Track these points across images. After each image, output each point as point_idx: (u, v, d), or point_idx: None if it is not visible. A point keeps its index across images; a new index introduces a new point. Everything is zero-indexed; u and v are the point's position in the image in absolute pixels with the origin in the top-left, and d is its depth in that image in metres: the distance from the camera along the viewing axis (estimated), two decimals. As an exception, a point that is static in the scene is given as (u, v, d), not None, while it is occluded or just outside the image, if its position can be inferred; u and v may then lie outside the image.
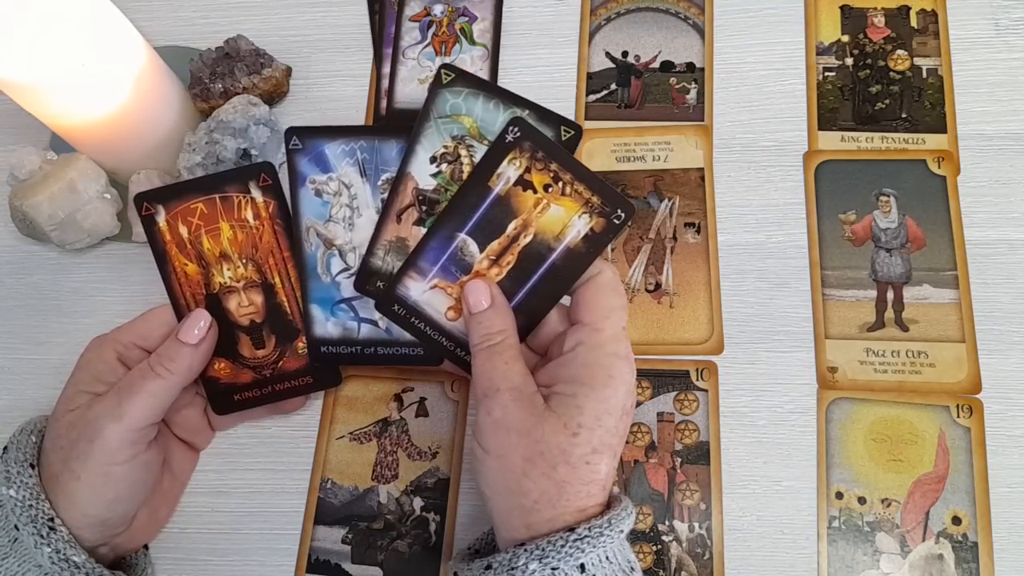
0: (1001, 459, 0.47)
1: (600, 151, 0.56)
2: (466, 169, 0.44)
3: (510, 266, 0.42)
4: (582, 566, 0.35)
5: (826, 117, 0.55)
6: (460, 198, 0.42)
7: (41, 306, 0.56)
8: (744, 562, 0.47)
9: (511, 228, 0.41)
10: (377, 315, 0.46)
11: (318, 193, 0.46)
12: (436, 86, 0.44)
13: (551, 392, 0.38)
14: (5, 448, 0.43)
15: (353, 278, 0.45)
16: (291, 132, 0.46)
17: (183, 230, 0.46)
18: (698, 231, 0.53)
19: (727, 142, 0.55)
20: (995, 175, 0.53)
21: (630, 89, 0.57)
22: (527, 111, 0.43)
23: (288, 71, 0.59)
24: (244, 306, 0.47)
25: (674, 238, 0.53)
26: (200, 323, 0.44)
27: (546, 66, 0.59)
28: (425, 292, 0.43)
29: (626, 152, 0.56)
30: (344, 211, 0.46)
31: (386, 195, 0.45)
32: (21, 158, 0.53)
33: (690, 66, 0.57)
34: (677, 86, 0.57)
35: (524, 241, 0.41)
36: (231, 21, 0.63)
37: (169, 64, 0.55)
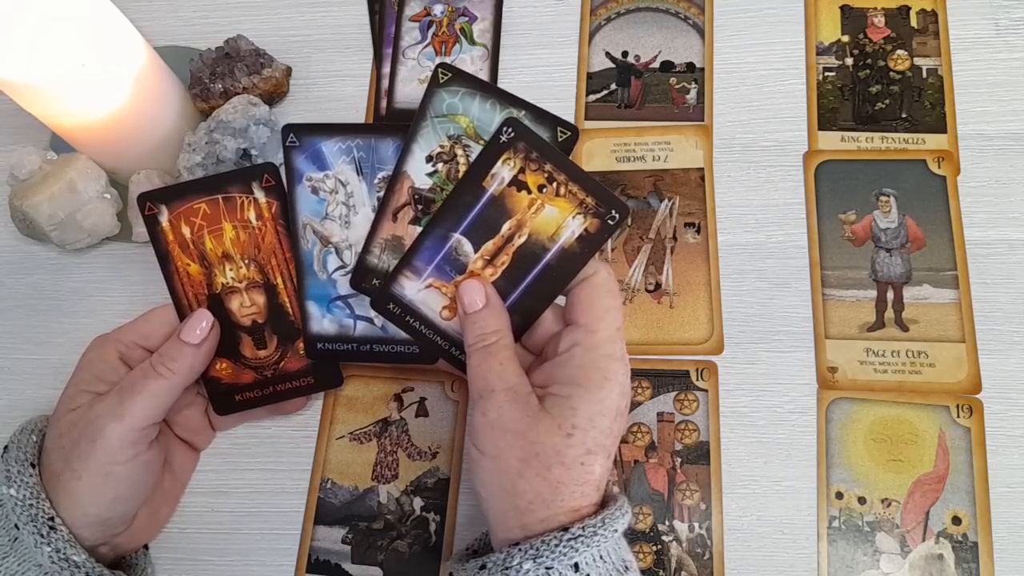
0: (1001, 459, 0.47)
1: (600, 151, 0.56)
2: (462, 169, 0.44)
3: (505, 266, 0.42)
4: (576, 565, 0.35)
5: (826, 117, 0.55)
6: (454, 198, 0.42)
7: (41, 306, 0.57)
8: (744, 562, 0.47)
9: (505, 228, 0.41)
10: (373, 313, 0.46)
11: (315, 190, 0.46)
12: (433, 85, 0.44)
13: (546, 393, 0.38)
14: (6, 447, 0.43)
15: (349, 276, 0.45)
16: (288, 129, 0.46)
17: (186, 230, 0.46)
18: (698, 231, 0.53)
19: (727, 142, 0.55)
20: (995, 175, 0.53)
21: (630, 89, 0.57)
22: (523, 111, 0.43)
23: (288, 71, 0.59)
24: (246, 306, 0.47)
25: (674, 238, 0.53)
26: (202, 323, 0.44)
27: (546, 66, 0.59)
28: (420, 291, 0.43)
29: (626, 152, 0.56)
30: (340, 209, 0.46)
31: (382, 193, 0.45)
32: (21, 158, 0.53)
33: (690, 66, 0.57)
34: (677, 86, 0.57)
35: (519, 241, 0.41)
36: (231, 21, 0.63)
37: (169, 64, 0.55)
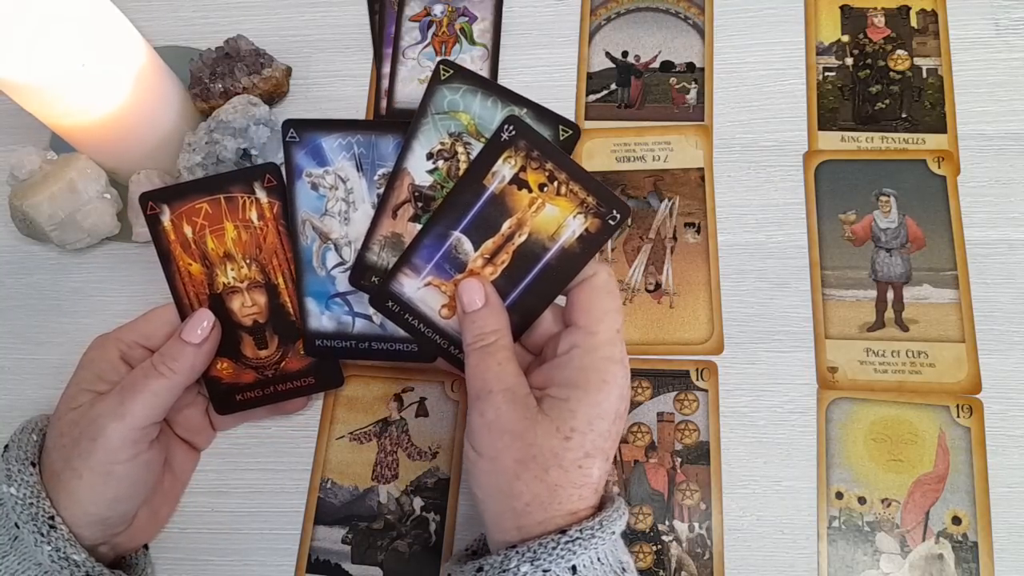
0: (1001, 459, 0.47)
1: (600, 151, 0.56)
2: (463, 166, 0.44)
3: (504, 265, 0.42)
4: (573, 568, 0.35)
5: (826, 117, 0.55)
6: (455, 196, 0.42)
7: (41, 306, 0.57)
8: (744, 562, 0.47)
9: (506, 227, 0.41)
10: (372, 310, 0.46)
11: (314, 186, 0.46)
12: (434, 82, 0.44)
13: (544, 395, 0.38)
14: (6, 446, 0.43)
15: (348, 272, 0.45)
16: (288, 125, 0.46)
17: (187, 230, 0.46)
18: (698, 231, 0.53)
19: (727, 142, 0.55)
20: (995, 175, 0.53)
21: (630, 89, 0.57)
22: (525, 109, 0.43)
23: (288, 71, 0.59)
24: (247, 306, 0.47)
25: (674, 238, 0.53)
26: (203, 323, 0.44)
27: (546, 66, 0.59)
28: (419, 289, 0.43)
29: (626, 152, 0.56)
30: (340, 205, 0.46)
31: (382, 190, 0.45)
32: (21, 158, 0.53)
33: (690, 66, 0.58)
34: (677, 86, 0.57)
35: (519, 240, 0.41)
36: (231, 21, 0.63)
37: (169, 64, 0.55)
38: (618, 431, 0.38)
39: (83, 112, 0.49)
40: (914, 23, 0.57)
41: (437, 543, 0.48)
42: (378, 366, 0.52)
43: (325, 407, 0.52)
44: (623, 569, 0.37)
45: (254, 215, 0.46)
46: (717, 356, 0.51)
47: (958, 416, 0.48)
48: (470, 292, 0.41)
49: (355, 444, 0.51)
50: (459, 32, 0.60)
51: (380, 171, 0.45)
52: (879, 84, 0.56)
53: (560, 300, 0.42)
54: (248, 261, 0.47)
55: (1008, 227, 0.52)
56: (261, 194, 0.46)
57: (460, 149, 0.44)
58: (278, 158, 0.56)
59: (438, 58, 0.59)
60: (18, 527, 0.41)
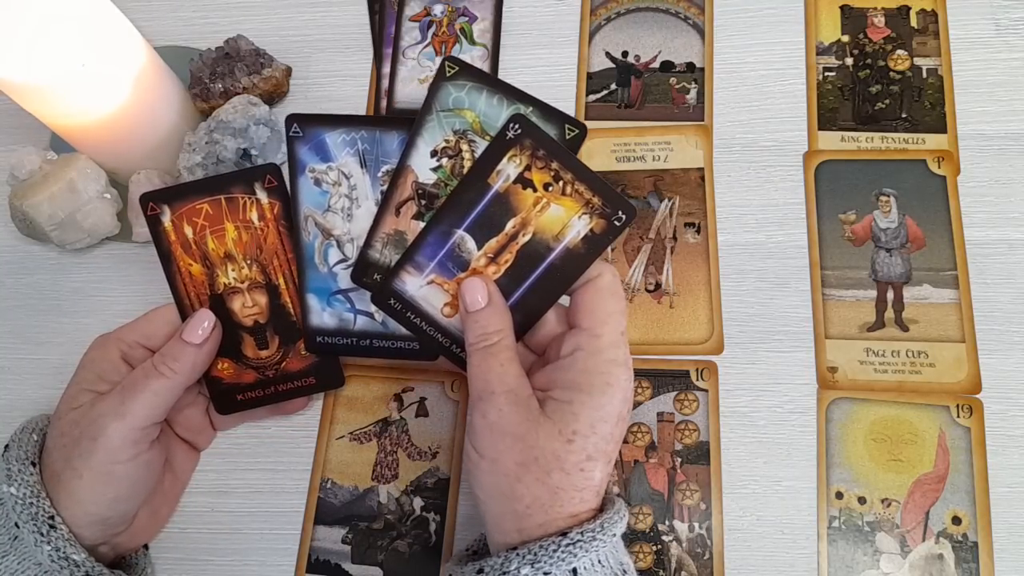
0: (1001, 459, 0.47)
1: (600, 151, 0.56)
2: (467, 164, 0.43)
3: (508, 264, 0.41)
4: (574, 571, 0.35)
5: (826, 117, 0.55)
6: (458, 194, 0.41)
7: (41, 306, 0.57)
8: (744, 562, 0.47)
9: (510, 226, 0.41)
10: (373, 308, 0.45)
11: (317, 182, 0.46)
12: (439, 79, 0.43)
13: (547, 397, 0.38)
14: (6, 446, 0.43)
15: (350, 269, 0.45)
16: (292, 119, 0.45)
17: (188, 230, 0.46)
18: (698, 231, 0.53)
19: (727, 142, 0.55)
20: (995, 175, 0.53)
21: (630, 89, 0.57)
22: (531, 108, 0.43)
23: (288, 71, 0.59)
24: (248, 307, 0.47)
25: (674, 238, 0.53)
26: (204, 323, 0.44)
27: (546, 66, 0.59)
28: (422, 287, 0.43)
29: (626, 152, 0.56)
30: (343, 201, 0.46)
31: (386, 187, 0.45)
32: (21, 158, 0.53)
33: (690, 66, 0.58)
34: (677, 86, 0.57)
35: (523, 240, 0.41)
36: (231, 21, 0.63)
37: (169, 64, 0.55)
38: (621, 434, 0.38)
39: (83, 112, 0.49)
40: (914, 23, 0.57)
41: (437, 543, 0.48)
42: (378, 365, 0.52)
43: (325, 407, 0.52)
44: (624, 571, 0.37)
45: (255, 216, 0.46)
46: (717, 356, 0.51)
47: (958, 416, 0.48)
48: (473, 291, 0.40)
49: (355, 444, 0.51)
50: (459, 32, 0.60)
51: (384, 168, 0.45)
52: (879, 84, 0.56)
53: (564, 300, 0.42)
54: (249, 262, 0.47)
55: (1008, 227, 0.52)
56: (262, 195, 0.46)
57: (465, 147, 0.43)
58: (278, 158, 0.56)
59: (439, 59, 0.59)
60: (18, 527, 0.41)
